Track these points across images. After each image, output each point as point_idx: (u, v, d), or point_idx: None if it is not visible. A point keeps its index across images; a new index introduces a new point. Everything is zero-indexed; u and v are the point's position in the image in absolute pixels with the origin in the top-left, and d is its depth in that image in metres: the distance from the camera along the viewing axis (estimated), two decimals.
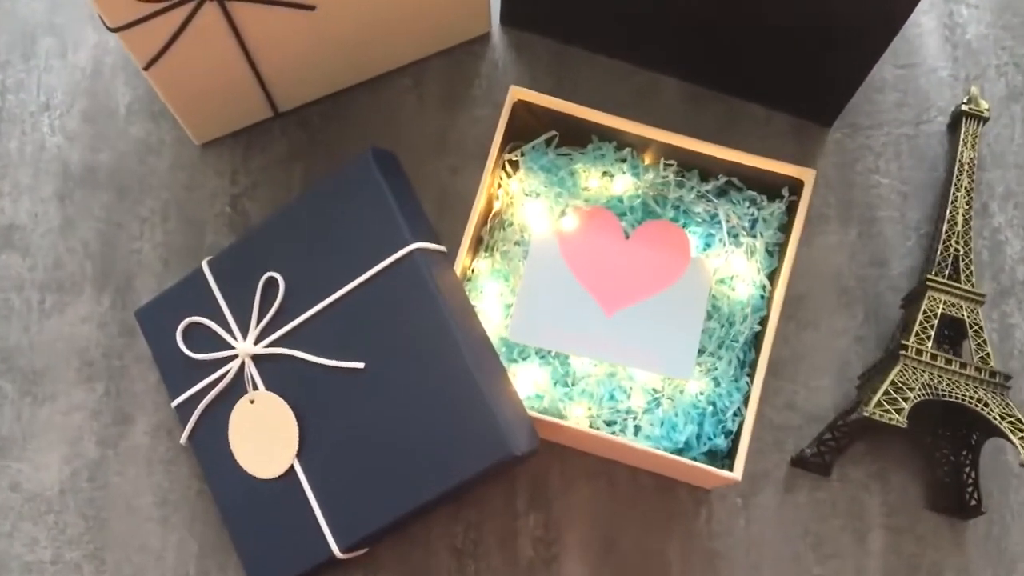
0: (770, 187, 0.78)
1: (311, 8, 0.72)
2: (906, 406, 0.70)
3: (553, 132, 0.78)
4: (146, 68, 0.71)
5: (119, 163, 0.84)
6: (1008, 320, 0.83)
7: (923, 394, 0.72)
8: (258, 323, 0.73)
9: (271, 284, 0.73)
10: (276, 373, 0.72)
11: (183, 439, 0.76)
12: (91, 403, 0.80)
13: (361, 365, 0.69)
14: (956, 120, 0.85)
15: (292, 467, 0.71)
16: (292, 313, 0.72)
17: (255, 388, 0.72)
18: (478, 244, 0.79)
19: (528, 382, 0.74)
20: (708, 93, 0.87)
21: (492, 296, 0.77)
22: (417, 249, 0.69)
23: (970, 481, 0.76)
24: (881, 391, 0.71)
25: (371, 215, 0.70)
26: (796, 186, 0.77)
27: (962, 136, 0.83)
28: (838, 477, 0.79)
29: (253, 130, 0.85)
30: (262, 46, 0.75)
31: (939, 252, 0.78)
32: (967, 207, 0.80)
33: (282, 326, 0.72)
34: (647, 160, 0.79)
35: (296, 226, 0.73)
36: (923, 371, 0.73)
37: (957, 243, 0.79)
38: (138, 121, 0.85)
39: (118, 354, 0.81)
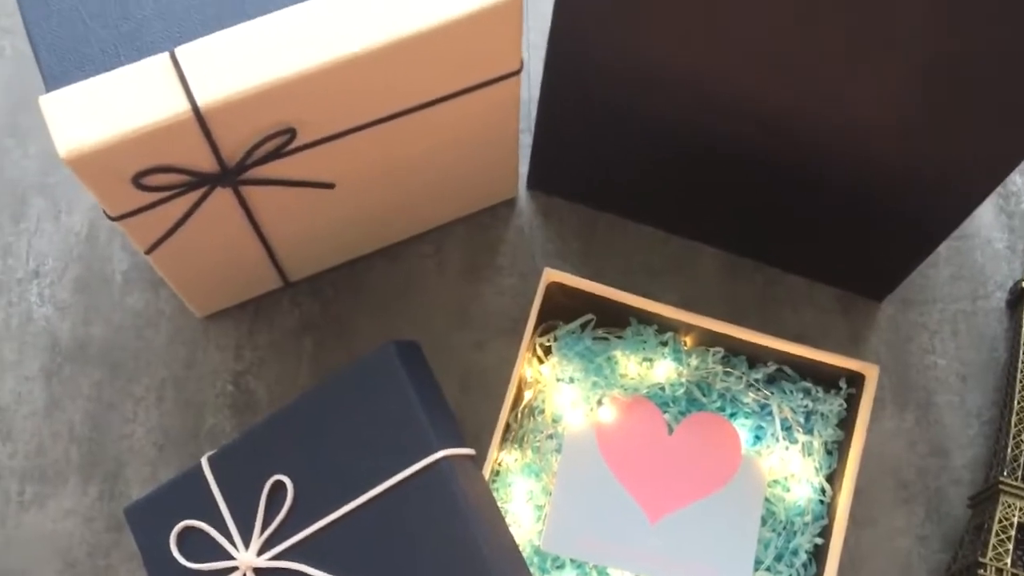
0: (826, 376, 0.71)
1: (330, 187, 0.66)
2: None
3: (591, 316, 0.72)
4: (148, 252, 0.65)
5: (113, 337, 0.78)
6: None
7: None
8: (262, 531, 0.65)
9: (278, 487, 0.65)
10: None
11: None
12: None
13: None
14: (1017, 297, 0.79)
15: None
16: (301, 522, 0.64)
17: None
18: (505, 433, 0.72)
19: None
20: (747, 263, 0.81)
21: (521, 496, 0.69)
22: (444, 457, 0.62)
23: None
24: None
25: (394, 417, 0.63)
26: (855, 377, 0.70)
27: (1023, 316, 0.77)
28: None
29: (261, 300, 0.79)
30: (276, 224, 0.69)
31: (1009, 449, 0.72)
32: None
33: (290, 536, 0.64)
34: (690, 343, 0.73)
35: (309, 423, 0.66)
36: None
37: None
38: (135, 291, 0.79)
39: (104, 552, 0.73)
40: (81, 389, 0.76)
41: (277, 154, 0.60)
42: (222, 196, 0.62)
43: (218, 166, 0.59)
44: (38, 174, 0.81)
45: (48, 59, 0.56)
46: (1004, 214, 0.84)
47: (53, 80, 0.55)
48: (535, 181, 0.82)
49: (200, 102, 0.54)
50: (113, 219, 0.60)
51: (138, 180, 0.57)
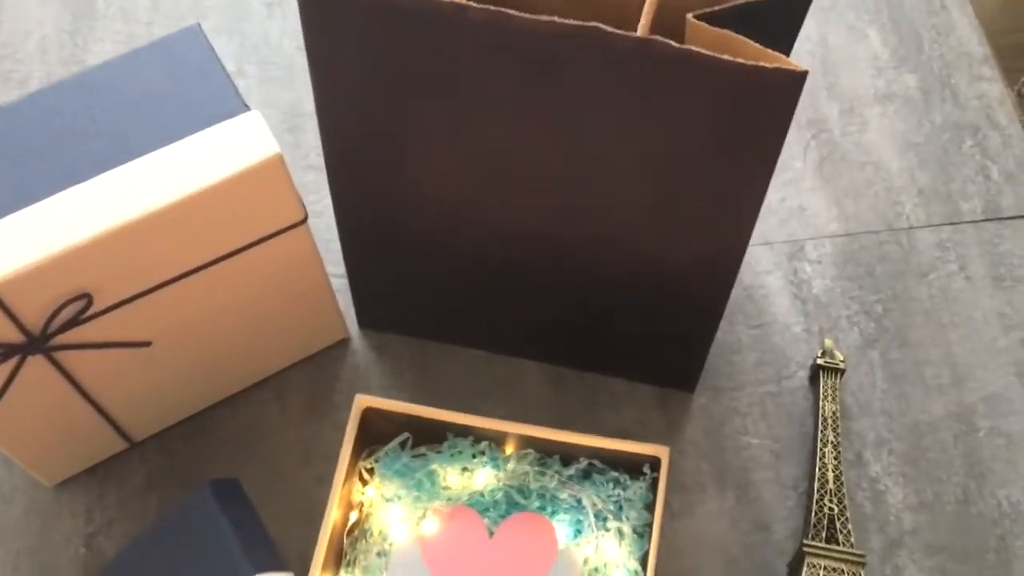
0: (633, 464, 0.77)
1: (146, 345, 0.72)
2: None
3: (406, 434, 0.77)
4: None
5: None
6: (903, 574, 0.80)
7: None
8: None
9: None
10: None
11: None
12: None
13: None
14: (815, 373, 0.85)
15: None
16: None
17: None
18: (340, 560, 0.75)
19: None
20: (570, 373, 0.87)
21: None
22: None
23: None
24: None
25: (211, 549, 0.67)
26: (657, 463, 0.75)
27: (821, 389, 0.83)
28: None
29: (110, 462, 0.83)
30: (103, 387, 0.74)
31: (814, 514, 0.77)
32: (836, 462, 0.79)
33: None
34: (508, 450, 0.78)
35: (137, 568, 0.69)
36: None
37: (830, 502, 0.77)
38: None
39: None
40: None
41: (79, 320, 0.66)
42: (37, 364, 0.68)
43: (23, 336, 0.65)
44: None
45: None
46: (798, 300, 0.91)
47: None
48: (363, 320, 0.88)
49: None
50: None
51: None
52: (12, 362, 0.66)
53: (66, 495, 0.82)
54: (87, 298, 0.65)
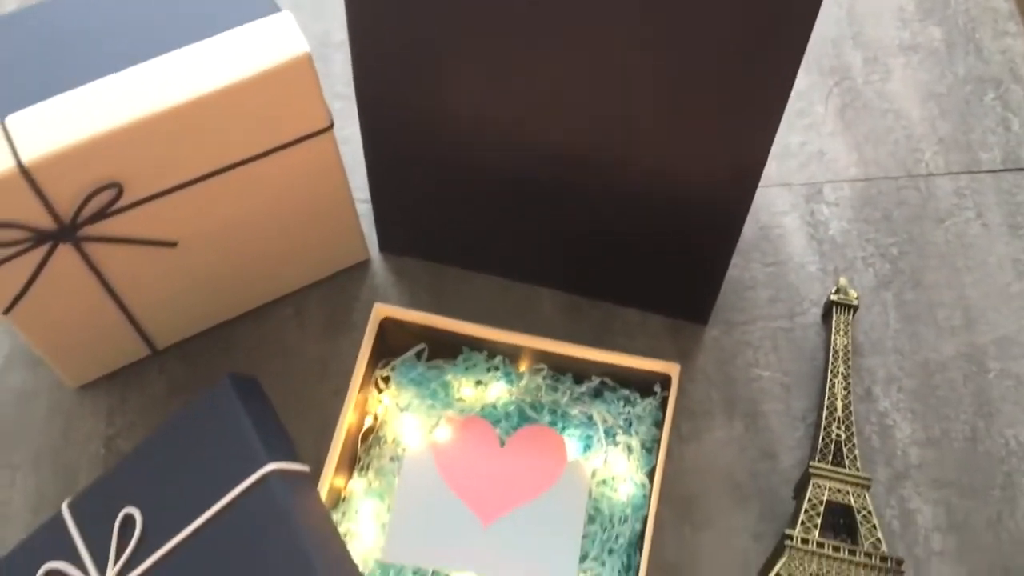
0: (644, 385, 0.78)
1: (172, 245, 0.74)
2: None
3: (422, 345, 0.79)
4: (6, 312, 0.72)
5: None
6: (907, 505, 0.80)
7: None
8: (115, 563, 0.69)
9: (128, 521, 0.70)
10: None
11: None
12: None
13: None
14: (828, 310, 0.86)
15: None
16: (149, 550, 0.69)
17: None
18: (354, 464, 0.77)
19: None
20: (584, 302, 0.88)
21: (367, 517, 0.74)
22: (273, 471, 0.67)
23: None
24: None
25: (228, 439, 0.69)
26: (667, 382, 0.76)
27: (834, 324, 0.84)
28: None
29: (131, 369, 0.85)
30: (128, 285, 0.76)
31: (821, 439, 0.77)
32: (845, 392, 0.80)
33: (140, 564, 0.69)
34: (521, 367, 0.79)
35: (155, 458, 0.71)
36: (810, 560, 0.70)
37: (838, 428, 0.78)
38: (15, 371, 0.85)
39: None
40: None
41: (108, 212, 0.68)
42: (67, 255, 0.70)
43: (55, 223, 0.67)
44: None
45: None
46: (815, 240, 0.92)
47: None
48: (384, 243, 0.90)
49: (25, 159, 0.62)
50: None
51: None
52: (43, 250, 0.68)
53: (88, 398, 0.84)
54: (117, 188, 0.67)
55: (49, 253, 0.69)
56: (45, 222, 0.67)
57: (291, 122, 0.70)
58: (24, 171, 0.62)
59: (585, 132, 0.71)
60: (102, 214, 0.68)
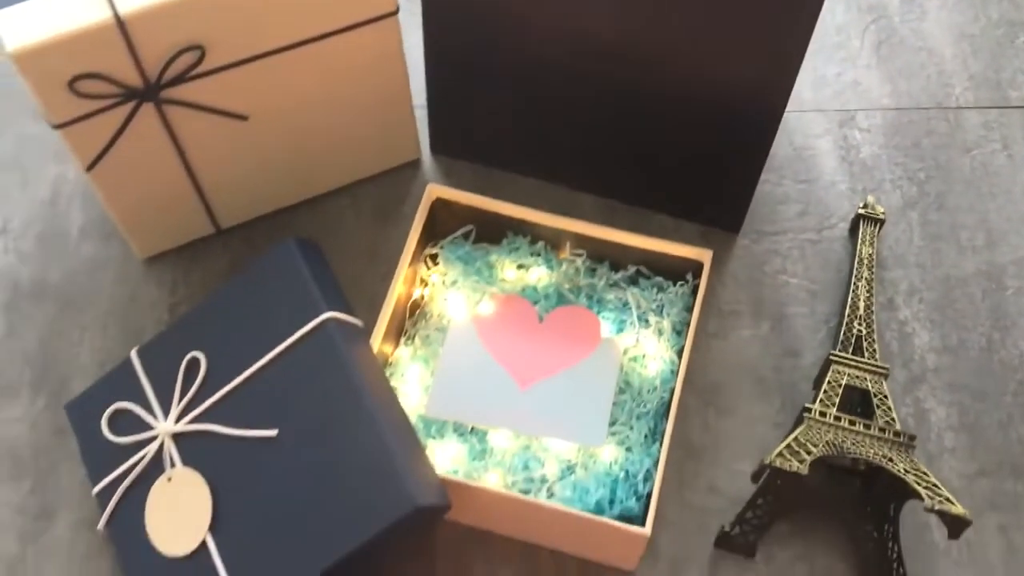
0: (677, 274, 0.82)
1: (244, 118, 0.79)
2: (808, 457, 0.71)
3: (470, 226, 0.84)
4: (88, 169, 0.77)
5: (67, 279, 0.89)
6: (922, 405, 0.85)
7: (827, 450, 0.73)
8: (179, 402, 0.75)
9: (193, 364, 0.75)
10: (194, 449, 0.73)
11: (100, 525, 0.76)
12: (16, 499, 0.80)
13: (273, 433, 0.71)
14: (855, 224, 0.90)
15: (204, 543, 0.71)
16: (212, 390, 0.74)
17: (173, 466, 0.73)
18: (401, 335, 0.82)
19: (445, 459, 0.75)
20: (621, 206, 0.93)
21: (413, 380, 0.79)
22: (331, 318, 0.72)
23: (895, 556, 0.75)
24: (784, 444, 0.72)
25: (289, 290, 0.74)
26: (699, 270, 0.81)
27: (860, 236, 0.88)
28: (763, 559, 0.79)
29: (196, 245, 0.91)
30: (201, 157, 0.81)
31: (842, 333, 0.82)
32: (868, 294, 0.84)
33: (202, 403, 0.74)
34: (562, 255, 0.84)
35: (220, 308, 0.76)
36: (827, 431, 0.75)
37: (859, 324, 0.82)
38: (89, 242, 0.91)
39: (47, 452, 0.82)
40: (35, 321, 0.88)
41: (189, 75, 0.73)
42: (149, 116, 0.76)
43: (141, 80, 0.72)
44: (13, 153, 0.95)
45: None
46: (846, 162, 0.96)
47: (4, 2, 0.70)
48: (437, 146, 0.95)
49: (121, 11, 0.68)
50: (55, 127, 0.73)
51: (73, 86, 0.70)
52: (127, 108, 0.74)
53: (154, 269, 0.90)
54: (200, 50, 0.72)
55: (133, 111, 0.74)
56: (133, 79, 0.72)
57: (359, 2, 0.76)
58: (120, 23, 0.68)
59: (633, 21, 0.75)
60: (183, 77, 0.74)
